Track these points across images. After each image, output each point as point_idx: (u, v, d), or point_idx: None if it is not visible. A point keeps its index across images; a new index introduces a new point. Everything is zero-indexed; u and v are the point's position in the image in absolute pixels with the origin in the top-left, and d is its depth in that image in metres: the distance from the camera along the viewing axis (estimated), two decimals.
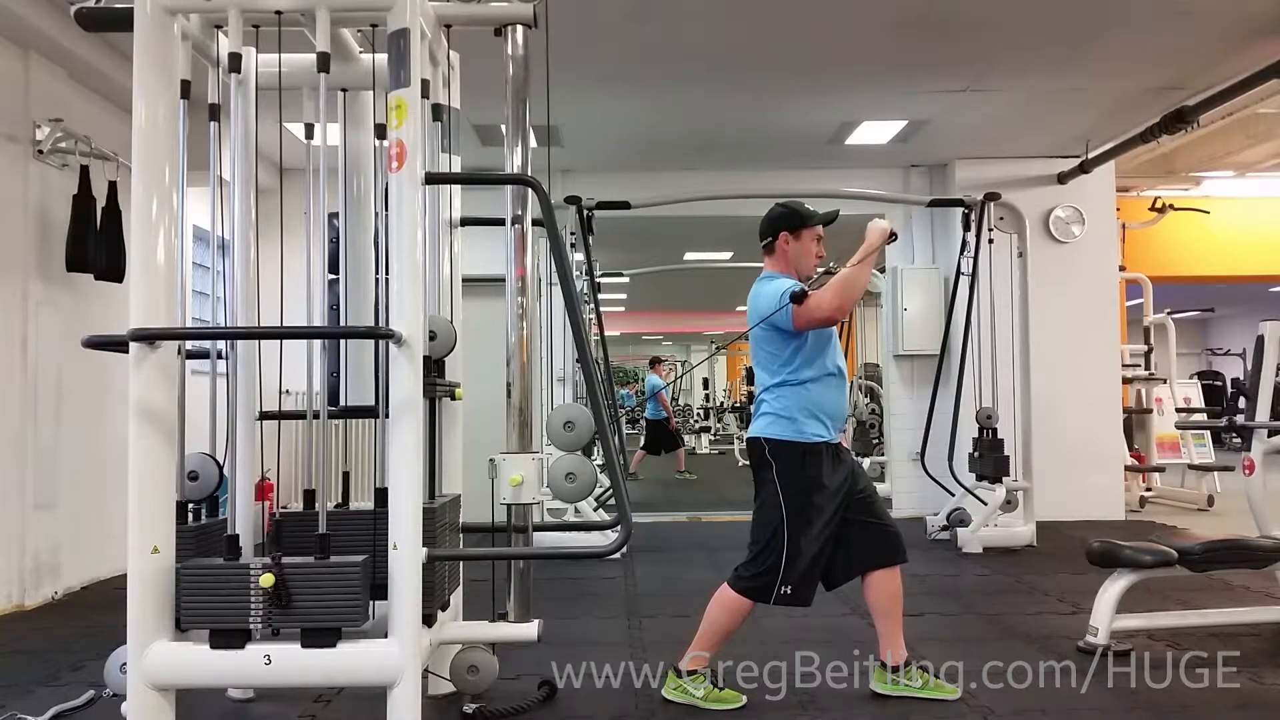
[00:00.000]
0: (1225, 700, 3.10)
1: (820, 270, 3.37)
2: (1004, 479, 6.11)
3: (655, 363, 13.76)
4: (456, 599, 3.14)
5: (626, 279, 12.60)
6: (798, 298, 2.98)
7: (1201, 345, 21.69)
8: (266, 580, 2.29)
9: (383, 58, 2.66)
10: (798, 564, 3.03)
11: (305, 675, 2.41)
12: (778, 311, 3.02)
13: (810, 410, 3.07)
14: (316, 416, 2.52)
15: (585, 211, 6.15)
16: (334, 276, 3.05)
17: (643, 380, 16.98)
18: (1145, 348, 8.91)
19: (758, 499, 3.14)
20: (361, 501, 2.98)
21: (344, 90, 3.10)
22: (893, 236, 3.05)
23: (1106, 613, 3.60)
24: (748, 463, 3.37)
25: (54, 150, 4.84)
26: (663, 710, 3.05)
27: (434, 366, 2.95)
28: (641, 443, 12.66)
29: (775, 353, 3.10)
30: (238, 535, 2.45)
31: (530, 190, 3.05)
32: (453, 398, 3.13)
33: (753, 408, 3.28)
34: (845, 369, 3.23)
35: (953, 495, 6.49)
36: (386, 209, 2.57)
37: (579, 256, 6.61)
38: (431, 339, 2.87)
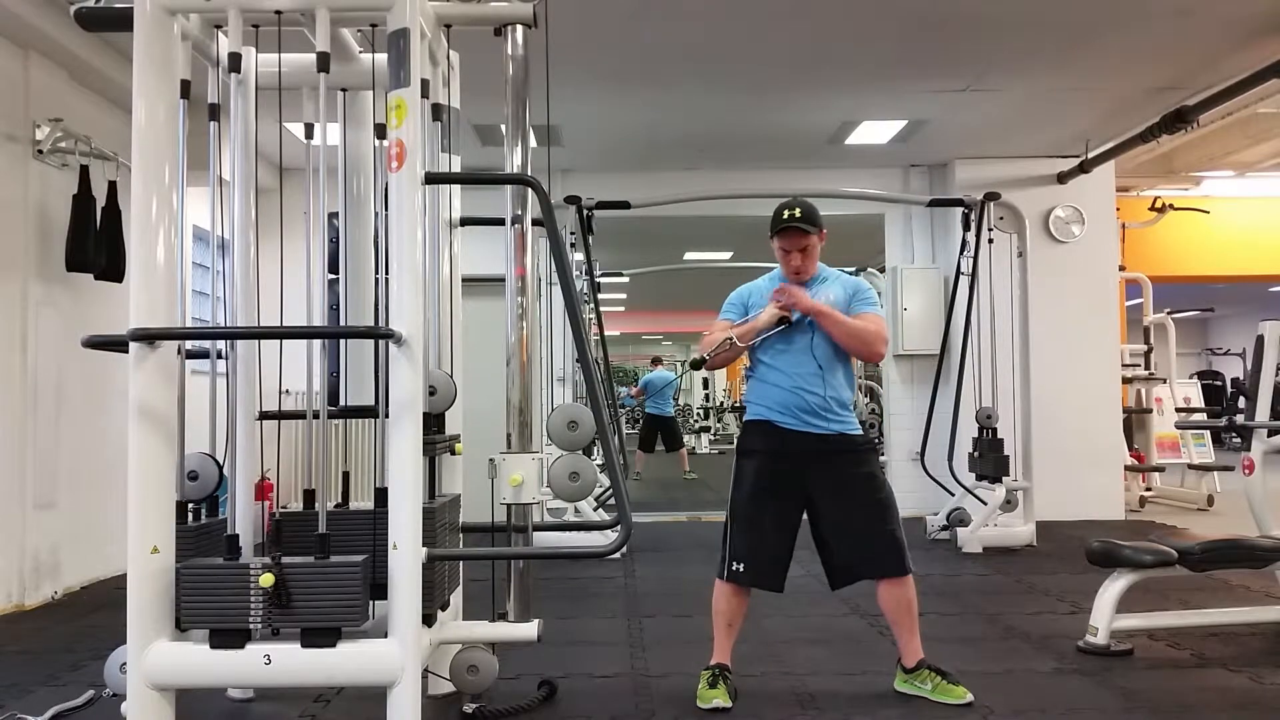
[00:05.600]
0: (1225, 700, 3.10)
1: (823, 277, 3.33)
2: (1004, 479, 6.12)
3: (656, 362, 13.76)
4: (456, 599, 3.14)
5: (626, 279, 12.60)
6: (696, 365, 3.34)
7: (1201, 345, 21.69)
8: (266, 580, 2.29)
9: (383, 58, 2.66)
10: (740, 536, 3.12)
11: (305, 675, 2.41)
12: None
13: (755, 400, 3.25)
14: (316, 416, 2.52)
15: (585, 211, 6.15)
16: (334, 276, 3.05)
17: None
18: (1145, 347, 8.91)
19: None
20: (361, 501, 2.98)
21: (344, 90, 3.10)
22: (783, 321, 3.13)
23: (1106, 612, 3.60)
24: None
25: (54, 150, 4.84)
26: (663, 710, 3.05)
27: (433, 422, 2.87)
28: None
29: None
30: (238, 535, 2.45)
31: (530, 190, 3.05)
32: (453, 453, 3.11)
33: None
34: (808, 371, 3.12)
35: (953, 495, 6.49)
36: (386, 209, 2.57)
37: (579, 256, 6.61)
38: (431, 394, 2.82)
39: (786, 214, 3.15)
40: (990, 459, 6.14)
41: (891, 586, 3.13)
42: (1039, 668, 3.47)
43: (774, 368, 3.18)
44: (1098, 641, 3.60)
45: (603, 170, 7.69)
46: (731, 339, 3.14)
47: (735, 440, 3.43)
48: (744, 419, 3.35)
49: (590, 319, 6.62)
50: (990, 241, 6.23)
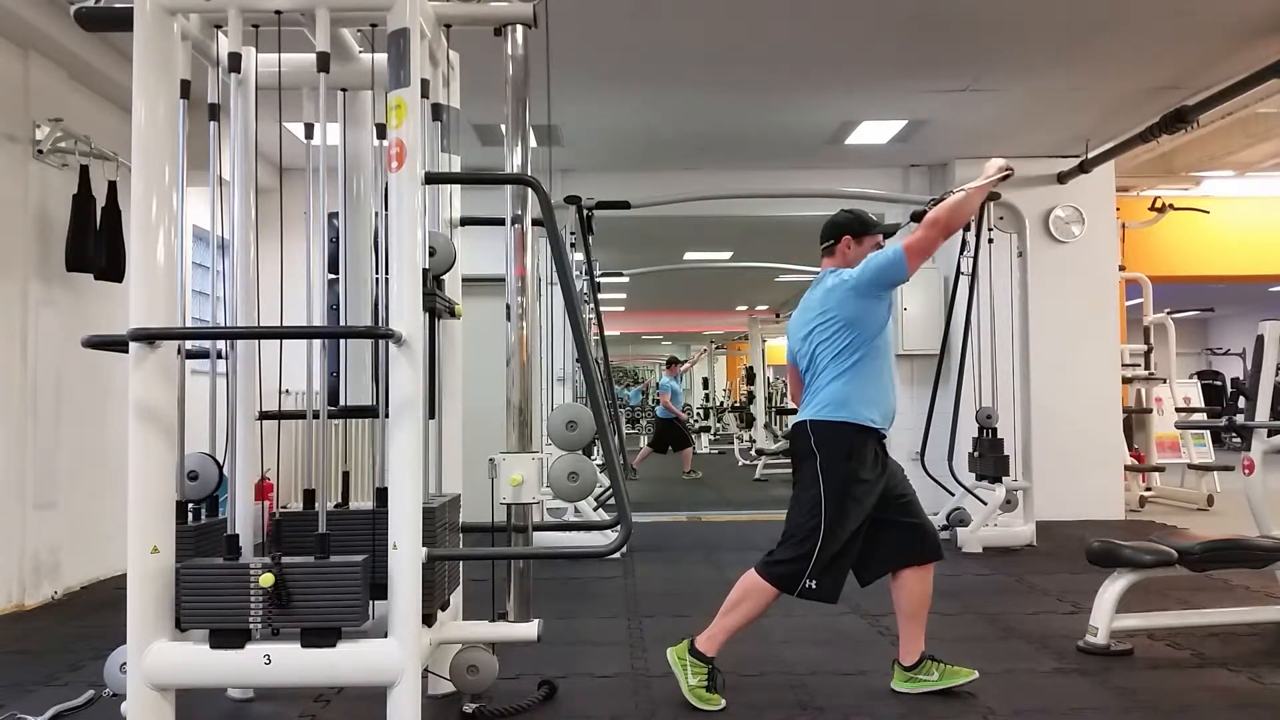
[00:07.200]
0: (1225, 700, 3.11)
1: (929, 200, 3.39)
2: (1004, 479, 6.12)
3: (672, 363, 13.73)
4: (456, 599, 3.14)
5: (626, 279, 12.60)
6: (917, 216, 3.12)
7: (1201, 345, 21.69)
8: (266, 580, 2.29)
9: (383, 58, 2.66)
10: (828, 556, 3.02)
11: (305, 675, 2.41)
12: (885, 265, 3.03)
13: (865, 397, 3.10)
14: (316, 416, 2.52)
15: (585, 211, 6.15)
16: (334, 276, 3.04)
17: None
18: (1145, 347, 8.91)
19: (798, 486, 3.15)
20: (361, 501, 2.98)
21: (344, 90, 3.10)
22: (1010, 173, 3.06)
23: (1106, 612, 3.60)
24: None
25: (54, 150, 4.84)
26: (663, 710, 3.05)
27: (434, 281, 2.95)
28: (646, 441, 12.66)
29: (836, 339, 3.12)
30: (237, 535, 2.46)
31: (530, 190, 3.05)
32: (453, 314, 3.12)
33: (804, 397, 3.25)
34: (892, 364, 3.22)
35: (953, 495, 6.49)
36: (386, 209, 2.57)
37: (579, 256, 6.61)
38: (431, 254, 2.88)
39: (883, 224, 3.33)
40: (990, 459, 6.14)
41: (920, 576, 3.15)
42: (1039, 668, 3.47)
43: (877, 359, 3.13)
44: (1098, 641, 3.60)
45: (603, 170, 7.69)
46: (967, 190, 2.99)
47: (825, 445, 3.08)
48: (847, 422, 3.06)
49: (590, 319, 6.62)
50: (990, 241, 6.23)
